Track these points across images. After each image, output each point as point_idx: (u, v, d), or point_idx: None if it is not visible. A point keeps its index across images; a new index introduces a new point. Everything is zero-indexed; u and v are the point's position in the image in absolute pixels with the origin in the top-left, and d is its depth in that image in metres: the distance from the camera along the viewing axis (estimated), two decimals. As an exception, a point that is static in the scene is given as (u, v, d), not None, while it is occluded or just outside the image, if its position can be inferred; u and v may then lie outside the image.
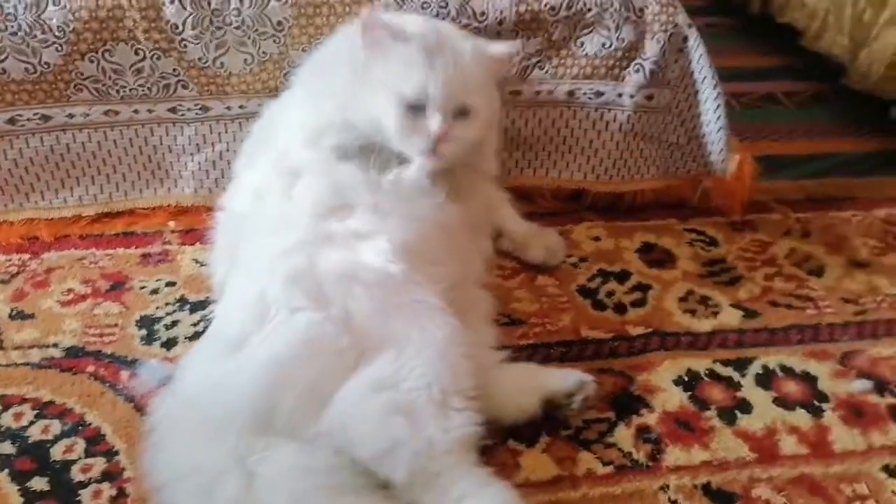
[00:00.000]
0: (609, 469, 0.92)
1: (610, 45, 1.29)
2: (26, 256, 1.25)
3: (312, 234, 0.94)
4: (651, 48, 1.29)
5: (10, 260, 1.24)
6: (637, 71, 1.30)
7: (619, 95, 1.32)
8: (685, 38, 1.29)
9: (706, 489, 0.90)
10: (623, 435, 0.96)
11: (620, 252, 1.31)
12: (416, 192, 1.01)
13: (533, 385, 0.97)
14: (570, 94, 1.32)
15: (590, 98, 1.32)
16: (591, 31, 1.28)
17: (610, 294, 1.21)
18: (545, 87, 1.32)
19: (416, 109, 0.98)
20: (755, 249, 1.33)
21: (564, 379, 0.98)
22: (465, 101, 1.00)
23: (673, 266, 1.28)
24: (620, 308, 1.18)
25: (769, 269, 1.28)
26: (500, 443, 0.94)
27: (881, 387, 1.05)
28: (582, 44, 1.29)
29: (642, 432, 0.97)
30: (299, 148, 1.03)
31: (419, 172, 1.01)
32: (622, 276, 1.25)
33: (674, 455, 0.94)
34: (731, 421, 0.99)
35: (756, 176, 1.38)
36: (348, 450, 0.82)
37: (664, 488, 0.90)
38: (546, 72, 1.31)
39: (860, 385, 1.05)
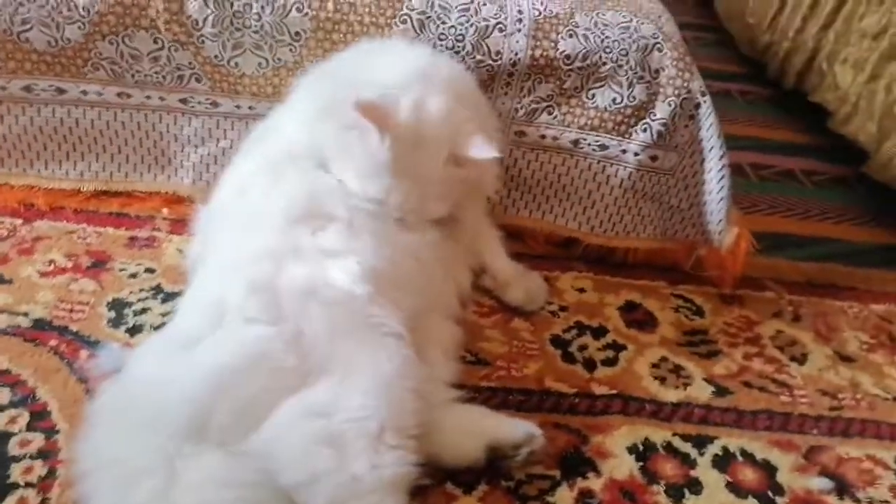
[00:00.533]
0: (541, 530, 0.90)
1: (620, 102, 1.28)
2: (19, 222, 1.28)
3: (282, 242, 0.94)
4: (661, 110, 1.28)
5: (2, 223, 1.27)
6: (644, 130, 1.29)
7: (624, 151, 1.31)
8: (697, 105, 1.28)
9: (637, 566, 0.87)
10: (564, 496, 0.94)
11: (602, 307, 1.29)
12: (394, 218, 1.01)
13: (480, 430, 0.95)
14: (575, 142, 1.31)
15: (594, 149, 1.31)
16: (603, 85, 1.28)
17: (582, 348, 1.19)
18: (551, 132, 1.31)
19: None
20: (740, 325, 1.30)
21: (513, 429, 0.96)
22: (423, 207, 1.04)
23: (653, 330, 1.26)
24: (590, 364, 1.16)
25: (751, 349, 1.25)
26: (437, 484, 0.93)
27: (842, 489, 1.01)
28: (593, 96, 1.29)
29: (584, 496, 0.95)
30: (287, 154, 1.04)
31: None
32: (599, 332, 1.23)
33: (611, 526, 0.91)
34: (677, 499, 0.96)
35: (752, 252, 1.35)
36: (272, 472, 0.81)
37: (594, 559, 0.87)
38: (554, 117, 1.31)
39: (820, 483, 1.02)
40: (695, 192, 1.34)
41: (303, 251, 0.94)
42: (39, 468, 0.87)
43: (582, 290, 1.32)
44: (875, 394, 1.19)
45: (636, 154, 1.30)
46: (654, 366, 1.18)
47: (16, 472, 0.86)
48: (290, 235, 0.95)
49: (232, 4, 1.23)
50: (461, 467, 0.94)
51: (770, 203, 1.73)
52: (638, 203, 1.35)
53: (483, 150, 1.02)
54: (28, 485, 0.85)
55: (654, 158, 1.31)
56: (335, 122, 1.01)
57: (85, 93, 1.28)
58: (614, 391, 1.11)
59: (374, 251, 0.97)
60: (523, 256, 1.33)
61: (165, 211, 1.34)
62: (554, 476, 0.97)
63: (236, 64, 1.27)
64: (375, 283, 0.94)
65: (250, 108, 1.31)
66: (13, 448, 0.89)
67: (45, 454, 0.89)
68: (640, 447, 1.03)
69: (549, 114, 1.30)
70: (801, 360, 1.24)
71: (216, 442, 0.82)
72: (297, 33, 1.25)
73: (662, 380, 1.15)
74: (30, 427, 0.92)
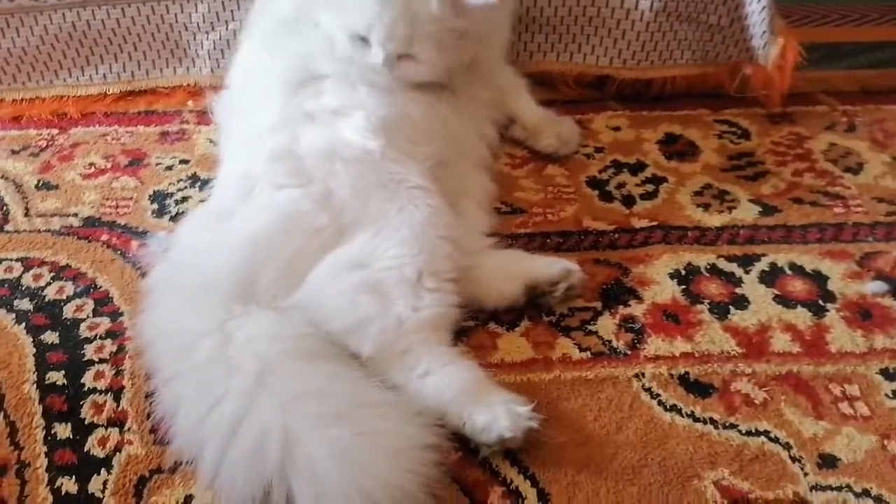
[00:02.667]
0: (585, 355, 0.91)
1: (642, -89, 1.17)
2: (55, 131, 1.31)
3: (291, 111, 0.94)
4: (689, -87, 1.16)
5: (40, 134, 1.31)
6: (672, -59, 1.18)
7: (651, -31, 1.21)
8: None
9: (683, 379, 0.88)
10: (605, 324, 0.95)
11: (640, 143, 1.24)
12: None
13: (517, 271, 0.96)
14: (598, -32, 1.22)
15: (618, -28, 1.22)
16: None
17: (620, 186, 1.16)
18: (569, -41, 1.22)
19: (363, 40, 0.95)
20: (789, 143, 1.23)
21: (549, 266, 0.96)
22: (408, 50, 0.95)
23: (695, 158, 1.21)
24: (629, 200, 1.13)
25: (801, 165, 1.19)
26: (481, 324, 0.95)
27: (899, 289, 0.98)
28: None
29: (626, 322, 0.95)
30: (280, 21, 1.01)
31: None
32: (636, 168, 1.19)
33: (654, 345, 0.92)
34: (722, 315, 0.96)
35: (800, 64, 1.25)
36: (320, 323, 0.85)
37: (639, 376, 0.89)
38: (571, -58, 1.21)
39: (874, 287, 0.99)
40: (734, 4, 1.24)
41: (313, 114, 0.94)
42: (110, 346, 0.94)
43: (617, 129, 1.28)
44: (938, 195, 1.13)
45: (665, -30, 1.20)
46: (697, 193, 1.14)
47: (90, 352, 0.93)
48: (295, 102, 0.94)
49: None
50: (502, 308, 0.96)
51: (822, 13, 1.59)
52: (673, 26, 1.26)
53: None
54: (102, 361, 0.92)
55: (685, -27, 1.21)
56: None
57: (90, -8, 1.27)
58: (654, 223, 1.09)
59: (378, 101, 0.96)
60: (554, 103, 1.28)
61: (191, 103, 1.35)
62: (595, 307, 0.97)
63: (230, -63, 1.22)
64: (387, 136, 0.94)
65: (254, -17, 1.27)
66: (84, 331, 0.96)
67: (112, 334, 0.95)
68: (683, 272, 1.02)
69: (565, -61, 1.21)
70: (856, 169, 1.18)
71: (264, 301, 0.86)
72: None
73: (706, 206, 1.12)
74: (95, 313, 0.99)
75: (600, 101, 1.33)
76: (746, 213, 1.11)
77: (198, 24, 1.31)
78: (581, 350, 0.92)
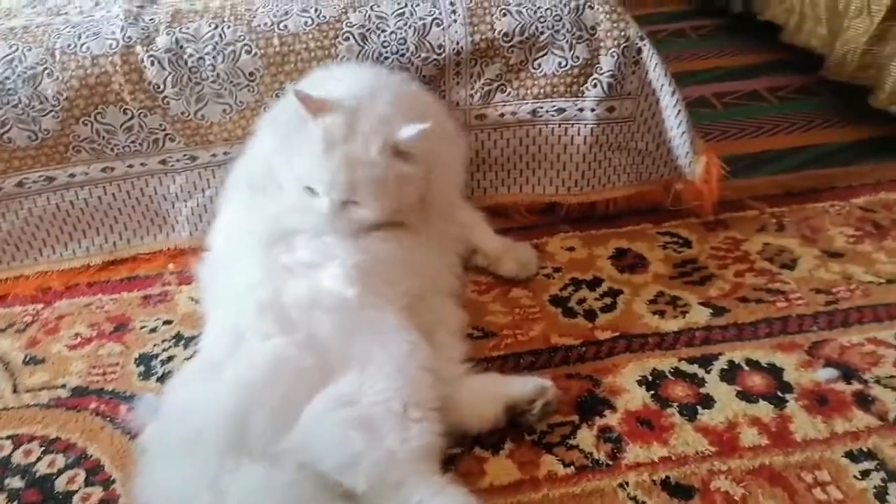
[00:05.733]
0: (570, 470, 0.95)
1: (566, 65, 1.34)
2: (40, 306, 1.36)
3: (270, 267, 1.02)
4: (606, 63, 1.33)
5: (25, 310, 1.36)
6: (595, 86, 1.35)
7: (581, 110, 1.37)
8: (639, 50, 1.34)
9: (665, 484, 0.93)
10: (585, 436, 1.00)
11: (594, 260, 1.35)
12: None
13: (495, 393, 1.02)
14: (534, 112, 1.38)
15: (552, 115, 1.37)
16: (545, 53, 1.34)
17: (581, 301, 1.25)
18: (509, 108, 1.38)
19: (311, 191, 1.06)
20: (727, 247, 1.35)
21: (524, 386, 1.02)
22: (351, 196, 1.05)
23: (644, 270, 1.31)
24: (590, 314, 1.22)
25: (741, 266, 1.30)
26: (466, 451, 0.99)
27: (848, 374, 1.06)
28: (539, 65, 1.35)
29: (603, 433, 1.00)
30: (253, 186, 1.12)
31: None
32: (593, 284, 1.29)
33: (634, 453, 0.97)
34: (692, 416, 1.02)
35: (725, 176, 1.40)
36: (313, 464, 0.88)
37: (623, 485, 0.93)
38: (508, 94, 1.37)
39: (826, 374, 1.06)
40: (657, 131, 1.39)
41: (291, 268, 1.02)
42: (104, 516, 0.95)
43: (571, 249, 1.38)
44: (868, 280, 1.23)
45: (593, 110, 1.36)
46: (652, 301, 1.23)
47: (84, 524, 0.94)
48: (271, 257, 1.03)
49: (186, 62, 1.31)
50: (485, 431, 1.00)
51: (739, 126, 1.78)
52: (606, 155, 1.40)
53: (412, 129, 1.05)
54: (97, 532, 0.92)
55: (610, 110, 1.37)
56: (281, 132, 1.09)
57: (73, 175, 1.37)
58: (617, 333, 1.17)
59: (347, 249, 1.04)
60: (510, 230, 1.39)
61: (171, 266, 1.43)
62: (573, 421, 1.02)
63: (203, 116, 1.35)
64: (362, 282, 1.01)
65: (225, 153, 1.39)
66: (77, 503, 0.97)
67: (105, 503, 0.96)
68: (649, 377, 1.08)
69: (503, 91, 1.37)
70: (792, 265, 1.29)
71: (257, 449, 0.89)
72: (251, 73, 1.32)
73: (661, 313, 1.20)
74: (87, 482, 1.00)
75: (552, 224, 1.45)
76: (699, 315, 1.19)
77: (176, 193, 1.41)
78: (565, 465, 0.96)
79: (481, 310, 1.25)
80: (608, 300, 1.25)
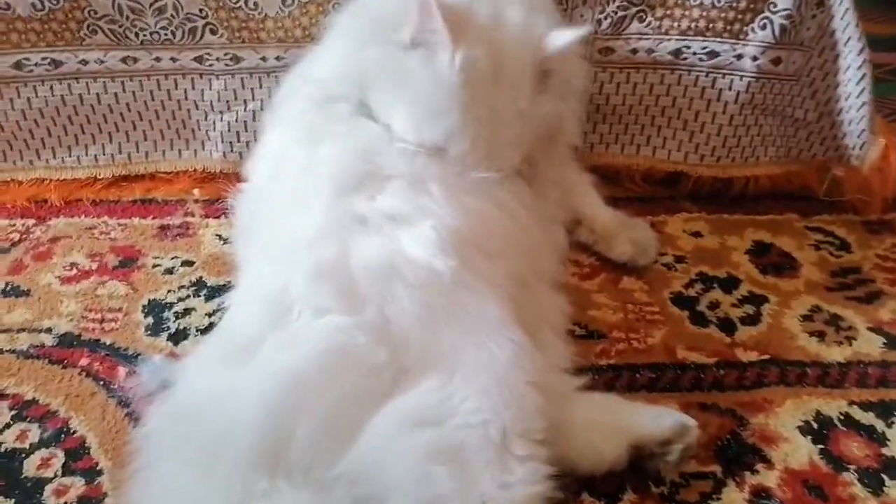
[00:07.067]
0: (715, 546, 0.70)
1: (731, -7, 1.03)
2: (31, 222, 1.11)
3: (339, 215, 0.74)
4: (784, -2, 1.02)
5: (13, 225, 1.10)
6: (764, 27, 1.04)
7: (739, 57, 1.06)
8: (829, -14, 1.02)
9: (847, 584, 0.67)
10: (733, 498, 0.74)
11: (727, 252, 1.07)
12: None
13: (618, 426, 0.75)
14: (677, 53, 1.07)
15: (701, 59, 1.07)
16: (708, -26, 1.03)
17: (713, 306, 0.97)
18: (645, 44, 1.07)
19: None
20: (898, 258, 1.07)
21: (659, 421, 0.76)
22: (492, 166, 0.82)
23: (795, 274, 1.03)
24: (727, 325, 0.95)
25: (918, 285, 1.02)
26: (572, 498, 0.74)
27: None
28: (695, -10, 1.04)
29: (759, 497, 0.74)
30: (322, 102, 0.83)
31: None
32: (729, 284, 1.01)
33: (803, 534, 0.71)
34: (876, 489, 0.75)
35: (905, 166, 1.10)
36: (376, 500, 0.63)
37: (790, 579, 0.68)
38: (647, 25, 1.07)
39: None
40: (826, 98, 1.09)
41: (367, 220, 0.75)
42: (83, 524, 0.71)
43: (698, 235, 1.10)
44: None
45: (755, 58, 1.05)
46: (806, 318, 0.96)
47: (54, 533, 0.70)
48: (344, 206, 0.75)
49: (242, -71, 1.01)
50: (600, 473, 0.75)
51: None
52: (758, 120, 1.10)
53: (564, 35, 0.82)
54: (70, 548, 0.69)
55: (776, 62, 1.06)
56: (384, 44, 0.81)
57: (84, 62, 1.09)
58: (765, 356, 0.90)
59: (451, 208, 0.77)
60: (620, 201, 1.11)
61: (197, 192, 1.17)
62: (714, 472, 0.77)
63: (256, 4, 1.05)
64: (462, 254, 0.74)
65: (278, 58, 1.10)
66: (49, 498, 0.73)
67: (87, 502, 0.72)
68: (815, 425, 0.82)
69: (641, 20, 1.06)
70: None
71: (298, 470, 0.64)
72: (324, -43, 1.03)
73: (820, 335, 0.93)
74: (66, 470, 0.76)
75: (672, 199, 1.17)
76: (869, 345, 0.92)
77: (211, 102, 1.13)
78: (710, 539, 0.71)
79: (584, 300, 0.98)
80: (750, 308, 0.97)
